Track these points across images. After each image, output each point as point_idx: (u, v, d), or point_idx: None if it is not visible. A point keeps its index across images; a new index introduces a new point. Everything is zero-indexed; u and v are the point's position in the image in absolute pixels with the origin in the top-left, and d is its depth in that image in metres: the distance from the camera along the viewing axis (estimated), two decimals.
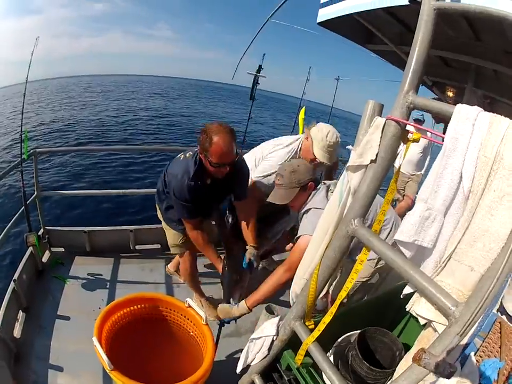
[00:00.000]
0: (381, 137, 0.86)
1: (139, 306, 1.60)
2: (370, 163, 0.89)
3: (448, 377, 0.63)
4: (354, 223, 0.90)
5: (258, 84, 2.54)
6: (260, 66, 2.22)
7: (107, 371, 1.26)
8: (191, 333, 1.59)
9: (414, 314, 0.80)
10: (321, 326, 1.02)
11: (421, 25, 0.84)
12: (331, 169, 2.39)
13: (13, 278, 2.29)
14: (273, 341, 1.18)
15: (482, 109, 0.71)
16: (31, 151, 2.57)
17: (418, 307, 0.79)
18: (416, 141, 0.84)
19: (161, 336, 1.62)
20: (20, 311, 2.29)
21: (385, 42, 2.21)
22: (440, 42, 1.77)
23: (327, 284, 1.10)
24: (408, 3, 0.99)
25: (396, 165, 1.05)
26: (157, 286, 2.55)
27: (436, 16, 0.82)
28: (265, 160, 2.06)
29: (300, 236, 1.57)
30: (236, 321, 1.64)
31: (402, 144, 0.88)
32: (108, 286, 2.54)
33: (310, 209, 1.62)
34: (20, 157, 2.45)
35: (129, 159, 7.99)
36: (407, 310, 0.81)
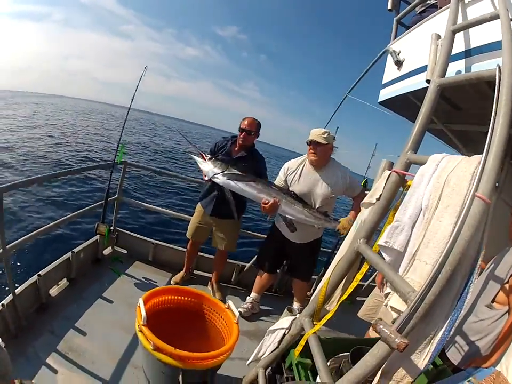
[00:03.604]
0: (385, 184, 1.26)
1: (186, 298, 1.84)
2: (376, 201, 1.27)
3: (399, 348, 0.87)
4: (359, 242, 1.24)
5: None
6: (334, 137, 2.43)
7: (138, 328, 1.44)
8: (221, 330, 1.78)
9: (389, 308, 1.07)
10: (323, 321, 1.28)
11: (425, 102, 1.22)
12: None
13: (72, 250, 2.53)
14: (284, 334, 1.43)
15: (447, 155, 1.06)
16: (123, 160, 2.96)
17: (392, 301, 1.04)
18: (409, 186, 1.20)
19: (194, 328, 1.82)
20: (65, 278, 2.49)
21: (434, 121, 2.31)
22: None
23: (339, 291, 1.39)
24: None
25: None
26: None
27: (438, 93, 1.20)
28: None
29: None
30: None
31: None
32: None
33: None
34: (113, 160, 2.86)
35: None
36: (383, 304, 1.08)
